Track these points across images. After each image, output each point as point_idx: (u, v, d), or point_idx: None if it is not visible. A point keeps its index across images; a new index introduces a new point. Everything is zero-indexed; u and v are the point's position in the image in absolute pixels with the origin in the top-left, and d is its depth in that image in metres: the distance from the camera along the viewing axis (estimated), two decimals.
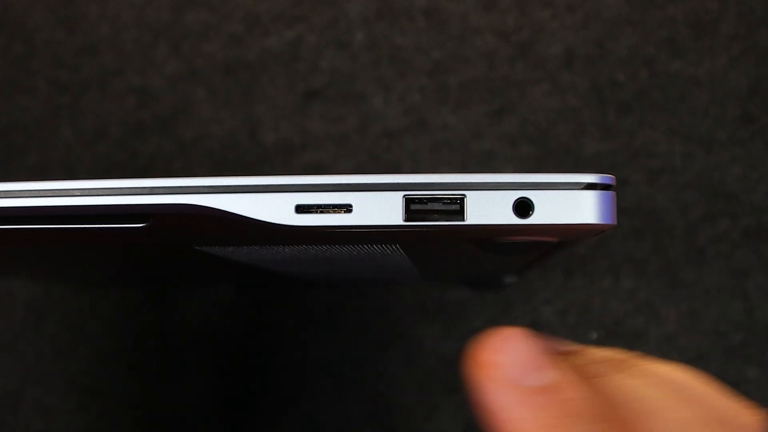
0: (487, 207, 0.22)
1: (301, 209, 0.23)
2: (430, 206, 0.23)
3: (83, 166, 0.49)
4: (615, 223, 0.23)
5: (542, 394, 0.21)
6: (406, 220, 0.23)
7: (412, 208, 0.23)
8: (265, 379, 0.48)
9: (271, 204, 0.23)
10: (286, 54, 0.49)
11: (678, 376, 0.24)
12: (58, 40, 0.50)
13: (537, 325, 0.47)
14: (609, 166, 0.47)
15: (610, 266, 0.47)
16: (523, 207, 0.23)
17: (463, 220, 0.23)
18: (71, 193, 0.23)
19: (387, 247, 0.27)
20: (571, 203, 0.22)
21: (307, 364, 0.48)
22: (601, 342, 0.47)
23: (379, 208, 0.23)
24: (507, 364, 0.21)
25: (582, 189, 0.23)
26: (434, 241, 0.25)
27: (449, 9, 0.48)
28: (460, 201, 0.23)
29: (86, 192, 0.23)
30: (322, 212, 0.23)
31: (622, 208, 0.47)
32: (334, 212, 0.23)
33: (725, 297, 0.47)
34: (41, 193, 0.23)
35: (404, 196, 0.23)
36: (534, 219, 0.23)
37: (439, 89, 0.48)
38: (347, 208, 0.23)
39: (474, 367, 0.21)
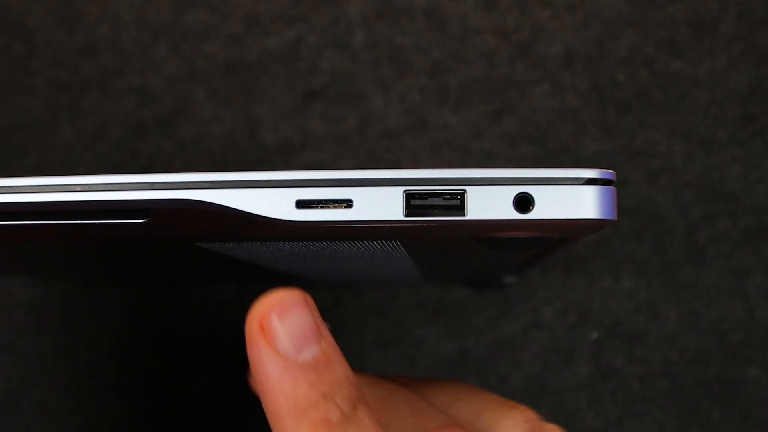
0: (488, 202, 0.23)
1: (301, 204, 0.23)
2: (430, 201, 0.23)
3: (83, 166, 0.49)
4: (616, 218, 0.23)
5: (308, 370, 0.22)
6: (406, 216, 0.23)
7: (412, 203, 0.23)
8: None
9: (271, 199, 0.23)
10: (286, 54, 0.49)
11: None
12: (58, 40, 0.50)
13: (537, 325, 0.47)
14: (609, 166, 0.46)
15: (610, 266, 0.47)
16: (524, 202, 0.23)
17: (463, 215, 0.23)
18: (72, 188, 0.23)
19: (387, 244, 0.27)
20: (572, 198, 0.22)
21: None
22: (600, 342, 0.47)
23: (379, 203, 0.23)
24: (282, 334, 0.22)
25: (583, 184, 0.23)
26: (435, 236, 0.25)
27: (449, 9, 0.48)
28: (461, 196, 0.23)
29: (87, 187, 0.23)
30: (322, 207, 0.23)
31: (622, 208, 0.47)
32: (335, 207, 0.23)
33: (725, 297, 0.47)
34: (42, 189, 0.23)
35: (405, 191, 0.23)
36: (534, 214, 0.23)
37: (439, 89, 0.48)
38: (348, 204, 0.23)
39: (252, 329, 0.22)
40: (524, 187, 0.23)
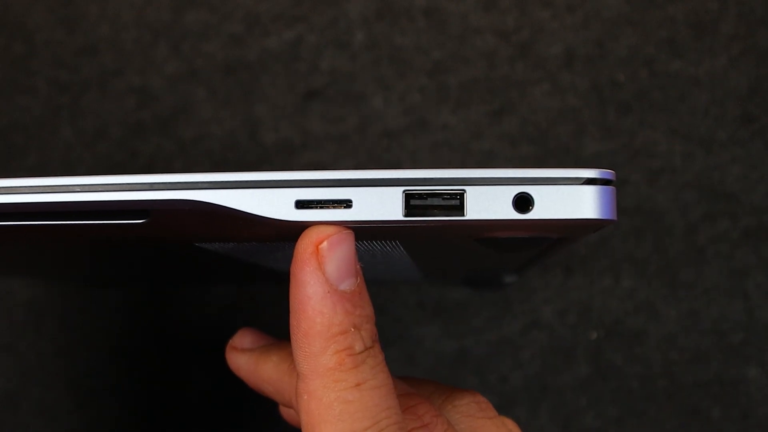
0: (487, 202, 0.23)
1: (301, 205, 0.23)
2: (430, 201, 0.23)
3: (83, 166, 0.49)
4: (615, 218, 0.23)
5: (346, 299, 0.23)
6: (406, 216, 0.23)
7: (412, 203, 0.23)
8: None
9: (271, 199, 0.23)
10: (286, 54, 0.49)
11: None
12: (58, 40, 0.50)
13: (537, 325, 0.47)
14: (609, 166, 0.46)
15: (610, 266, 0.47)
16: (523, 202, 0.23)
17: (462, 215, 0.23)
18: (71, 189, 0.23)
19: (387, 244, 0.27)
20: (572, 198, 0.22)
21: None
22: (600, 342, 0.47)
23: (379, 203, 0.23)
24: (330, 261, 0.23)
25: (582, 184, 0.23)
26: (434, 236, 0.25)
27: (449, 9, 0.48)
28: (460, 196, 0.23)
29: (86, 188, 0.23)
30: (322, 208, 0.23)
31: (622, 208, 0.47)
32: (334, 208, 0.23)
33: (725, 297, 0.47)
34: (41, 189, 0.23)
35: (404, 191, 0.23)
36: (534, 214, 0.22)
37: (439, 89, 0.48)
38: (347, 204, 0.23)
39: (307, 250, 0.23)
40: (524, 187, 0.23)
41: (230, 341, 0.32)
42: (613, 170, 0.23)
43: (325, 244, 0.23)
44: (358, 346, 0.24)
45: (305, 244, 0.23)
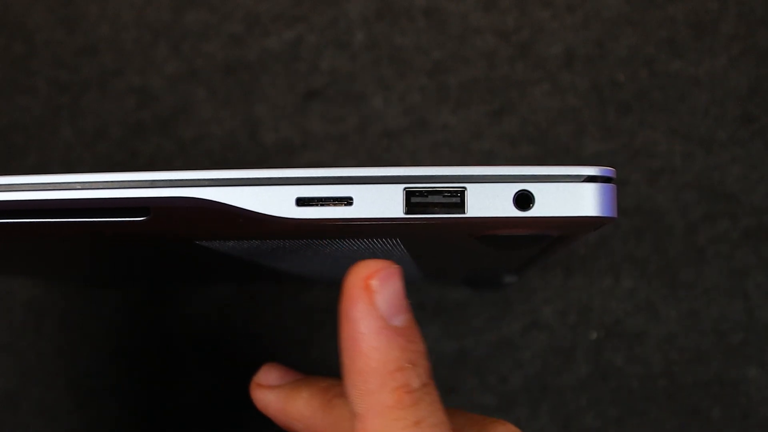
0: (488, 199, 0.23)
1: (301, 202, 0.23)
2: (430, 199, 0.23)
3: (83, 166, 0.49)
4: (616, 216, 0.23)
5: (400, 335, 0.23)
6: (406, 213, 0.23)
7: (412, 200, 0.23)
8: None
9: (271, 197, 0.23)
10: (286, 54, 0.49)
11: None
12: (58, 40, 0.50)
13: (537, 325, 0.47)
14: (609, 166, 0.46)
15: (610, 266, 0.47)
16: (524, 199, 0.23)
17: (463, 212, 0.23)
18: (72, 186, 0.23)
19: (387, 242, 0.27)
20: (572, 196, 0.22)
21: (307, 364, 0.48)
22: (600, 342, 0.47)
23: (379, 200, 0.23)
24: (381, 297, 0.23)
25: (582, 181, 0.23)
26: (434, 234, 0.25)
27: (449, 9, 0.48)
28: (461, 193, 0.23)
29: (87, 185, 0.23)
30: (322, 205, 0.23)
31: (622, 209, 0.47)
32: (335, 205, 0.23)
33: (725, 297, 0.47)
34: (42, 187, 0.23)
35: (405, 188, 0.23)
36: (534, 211, 0.22)
37: (439, 89, 0.48)
38: (348, 201, 0.23)
39: (357, 286, 0.23)
40: (524, 185, 0.23)
41: (255, 378, 0.31)
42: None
43: (375, 279, 0.23)
44: (415, 383, 0.23)
45: (355, 280, 0.23)
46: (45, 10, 0.50)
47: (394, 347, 0.23)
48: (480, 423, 0.28)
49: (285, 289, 0.48)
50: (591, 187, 0.23)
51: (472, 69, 0.48)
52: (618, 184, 0.23)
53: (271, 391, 0.31)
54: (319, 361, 0.48)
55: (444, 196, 0.23)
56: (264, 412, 0.31)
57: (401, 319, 0.23)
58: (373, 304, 0.23)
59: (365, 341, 0.23)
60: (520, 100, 0.48)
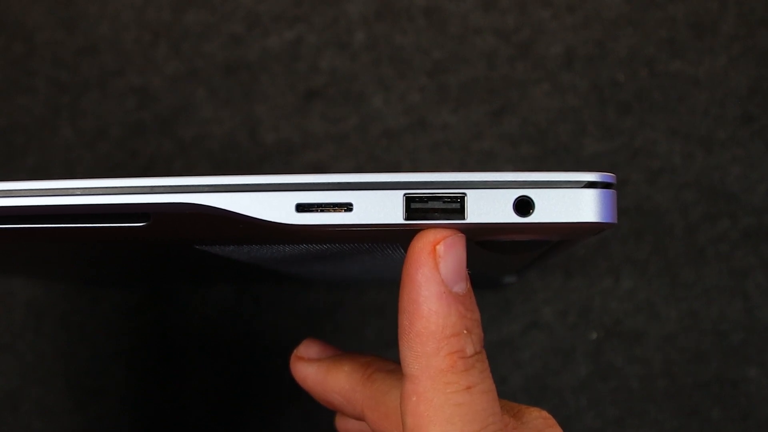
0: (488, 205, 0.23)
1: (301, 208, 0.23)
2: (430, 205, 0.23)
3: (83, 166, 0.49)
4: (615, 221, 0.23)
5: (459, 301, 0.24)
6: (406, 219, 0.23)
7: (412, 206, 0.23)
8: (265, 379, 0.48)
9: (271, 203, 0.23)
10: (286, 54, 0.49)
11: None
12: (58, 40, 0.50)
13: (537, 325, 0.47)
14: (609, 166, 0.47)
15: (610, 266, 0.47)
16: (524, 205, 0.23)
17: (463, 218, 0.23)
18: (72, 192, 0.23)
19: (387, 247, 0.27)
20: (572, 202, 0.22)
21: None
22: (600, 342, 0.47)
23: (379, 206, 0.23)
24: (446, 262, 0.23)
25: (582, 187, 0.23)
26: None
27: (449, 9, 0.48)
28: (461, 199, 0.23)
29: (87, 191, 0.23)
30: (322, 211, 0.23)
31: (622, 209, 0.47)
32: (335, 211, 0.23)
33: (725, 297, 0.47)
34: (42, 192, 0.23)
35: (405, 194, 0.23)
36: (534, 218, 0.22)
37: (439, 89, 0.48)
38: (348, 207, 0.23)
39: (425, 250, 0.23)
40: (524, 191, 0.23)
41: (295, 351, 0.32)
42: (613, 170, 0.23)
43: (441, 245, 0.23)
44: (469, 349, 0.24)
45: (422, 244, 0.23)
46: (45, 10, 0.50)
47: (453, 313, 0.24)
48: (515, 408, 0.28)
49: (285, 289, 0.48)
50: (591, 193, 0.23)
51: (472, 69, 0.48)
52: (618, 188, 0.23)
53: (311, 364, 0.31)
54: None
55: (444, 202, 0.23)
56: (302, 385, 0.31)
57: (461, 286, 0.24)
58: (437, 269, 0.23)
59: (426, 304, 0.23)
60: (520, 100, 0.48)
